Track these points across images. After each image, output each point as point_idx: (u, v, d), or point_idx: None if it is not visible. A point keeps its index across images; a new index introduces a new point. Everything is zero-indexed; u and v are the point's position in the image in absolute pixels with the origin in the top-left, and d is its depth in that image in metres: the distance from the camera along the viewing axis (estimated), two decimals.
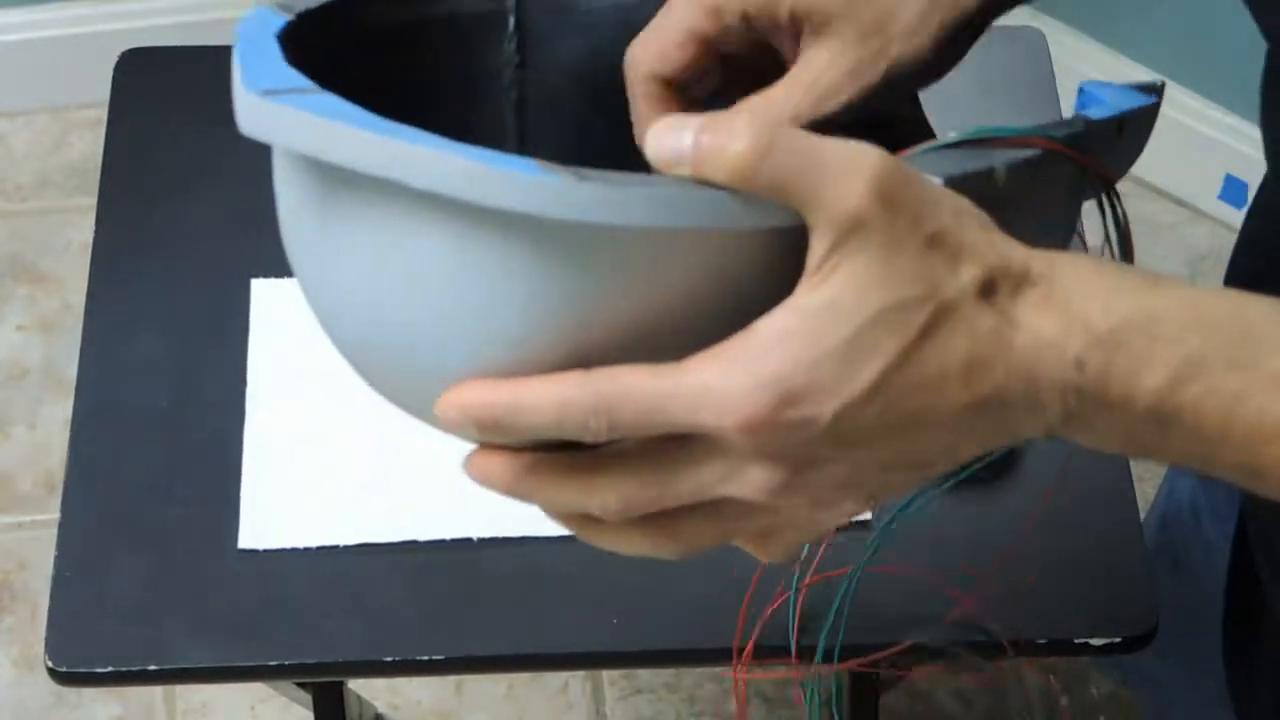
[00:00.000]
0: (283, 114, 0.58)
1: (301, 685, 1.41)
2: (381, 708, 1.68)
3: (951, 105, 1.24)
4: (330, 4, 0.71)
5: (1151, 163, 2.30)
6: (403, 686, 1.71)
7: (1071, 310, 0.57)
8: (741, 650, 1.00)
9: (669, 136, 0.57)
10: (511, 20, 0.78)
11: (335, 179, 0.59)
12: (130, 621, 1.04)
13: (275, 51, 0.62)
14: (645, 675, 1.73)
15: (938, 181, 0.60)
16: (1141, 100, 0.73)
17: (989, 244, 0.58)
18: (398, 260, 0.59)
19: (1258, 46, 0.86)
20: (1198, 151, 2.01)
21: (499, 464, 0.60)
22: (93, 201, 1.22)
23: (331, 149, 0.57)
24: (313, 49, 0.66)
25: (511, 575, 1.05)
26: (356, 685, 1.59)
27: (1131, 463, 1.12)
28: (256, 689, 1.70)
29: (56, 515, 1.09)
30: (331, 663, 1.05)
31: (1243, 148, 1.96)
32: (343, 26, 0.72)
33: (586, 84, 0.80)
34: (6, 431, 1.90)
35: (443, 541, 1.07)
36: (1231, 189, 2.01)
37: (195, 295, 1.18)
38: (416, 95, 0.75)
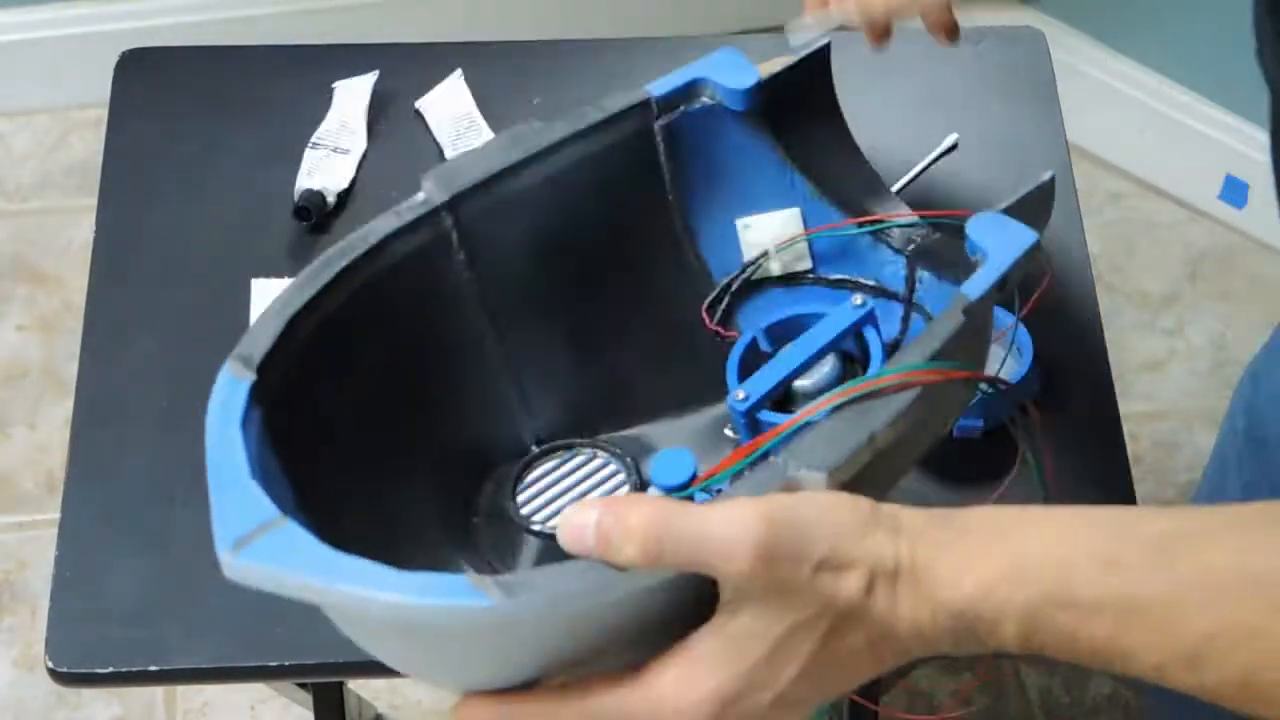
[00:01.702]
0: (254, 571, 0.67)
1: (301, 685, 1.41)
2: (381, 708, 1.68)
3: (953, 106, 1.24)
4: (288, 322, 0.78)
5: (1151, 163, 2.31)
6: (403, 686, 1.71)
7: (933, 598, 0.69)
8: None
9: (573, 529, 0.68)
10: (454, 235, 0.85)
11: None
12: (130, 622, 1.04)
13: (241, 457, 0.71)
14: None
15: (821, 479, 0.70)
16: (1020, 246, 0.80)
17: (864, 552, 0.68)
18: (376, 639, 0.71)
19: None
20: (1198, 151, 2.01)
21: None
22: (93, 201, 1.22)
23: (300, 594, 0.67)
24: (284, 371, 0.76)
25: None
26: (356, 685, 1.59)
27: (1131, 460, 1.12)
28: (257, 689, 1.70)
29: (56, 515, 1.09)
30: (331, 663, 1.04)
31: (1243, 148, 1.96)
32: (308, 325, 0.79)
33: (537, 246, 0.88)
34: (6, 431, 1.90)
35: None
36: (1231, 189, 2.01)
37: (195, 295, 1.18)
38: (390, 332, 0.83)
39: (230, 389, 0.75)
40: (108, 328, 1.16)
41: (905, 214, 0.90)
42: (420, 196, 0.85)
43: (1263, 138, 0.97)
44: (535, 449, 0.89)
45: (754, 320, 0.92)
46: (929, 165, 1.13)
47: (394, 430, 0.83)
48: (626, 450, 0.89)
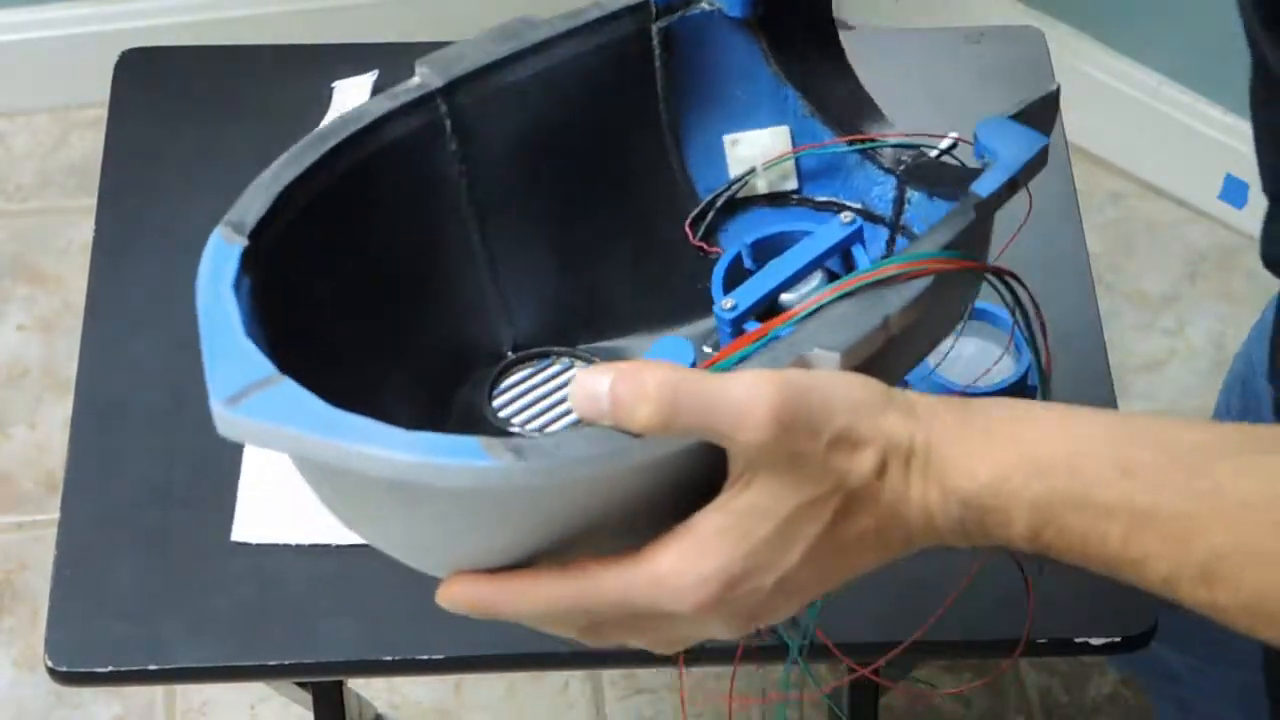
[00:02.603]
0: (249, 425, 0.64)
1: (301, 685, 1.41)
2: (381, 708, 1.68)
3: (953, 105, 1.24)
4: (280, 193, 0.76)
5: (1151, 163, 2.31)
6: (403, 686, 1.71)
7: (945, 482, 0.67)
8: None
9: (585, 393, 0.66)
10: (448, 124, 0.83)
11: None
12: (129, 621, 1.04)
13: (234, 316, 0.69)
14: (645, 675, 1.73)
15: (835, 358, 0.69)
16: (1030, 149, 0.80)
17: (879, 430, 0.67)
18: (373, 512, 0.69)
19: None
20: (1198, 151, 2.01)
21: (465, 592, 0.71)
22: (93, 201, 1.22)
23: (299, 450, 0.65)
24: (275, 240, 0.75)
25: None
26: (356, 685, 1.59)
27: None
28: (257, 689, 1.70)
29: (56, 515, 1.09)
30: (331, 662, 1.04)
31: (1243, 148, 1.95)
32: (299, 199, 0.77)
33: (527, 146, 0.86)
34: (6, 431, 1.90)
35: None
36: (1231, 189, 2.01)
37: (195, 294, 1.18)
38: (379, 219, 0.82)
39: (221, 253, 0.72)
40: (108, 328, 1.16)
41: (896, 134, 0.90)
42: (415, 80, 0.83)
43: None
44: (512, 355, 0.89)
45: (737, 238, 0.92)
46: None
47: (376, 320, 0.82)
48: (604, 361, 0.88)
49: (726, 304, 0.81)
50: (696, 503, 0.68)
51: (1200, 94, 1.99)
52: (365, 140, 0.81)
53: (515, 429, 0.85)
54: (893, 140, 0.89)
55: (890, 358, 0.73)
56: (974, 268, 0.77)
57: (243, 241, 0.73)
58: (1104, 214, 2.06)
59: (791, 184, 0.93)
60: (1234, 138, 1.97)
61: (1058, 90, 0.84)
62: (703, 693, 1.72)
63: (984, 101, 1.23)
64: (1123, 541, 0.66)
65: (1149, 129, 2.03)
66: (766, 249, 0.88)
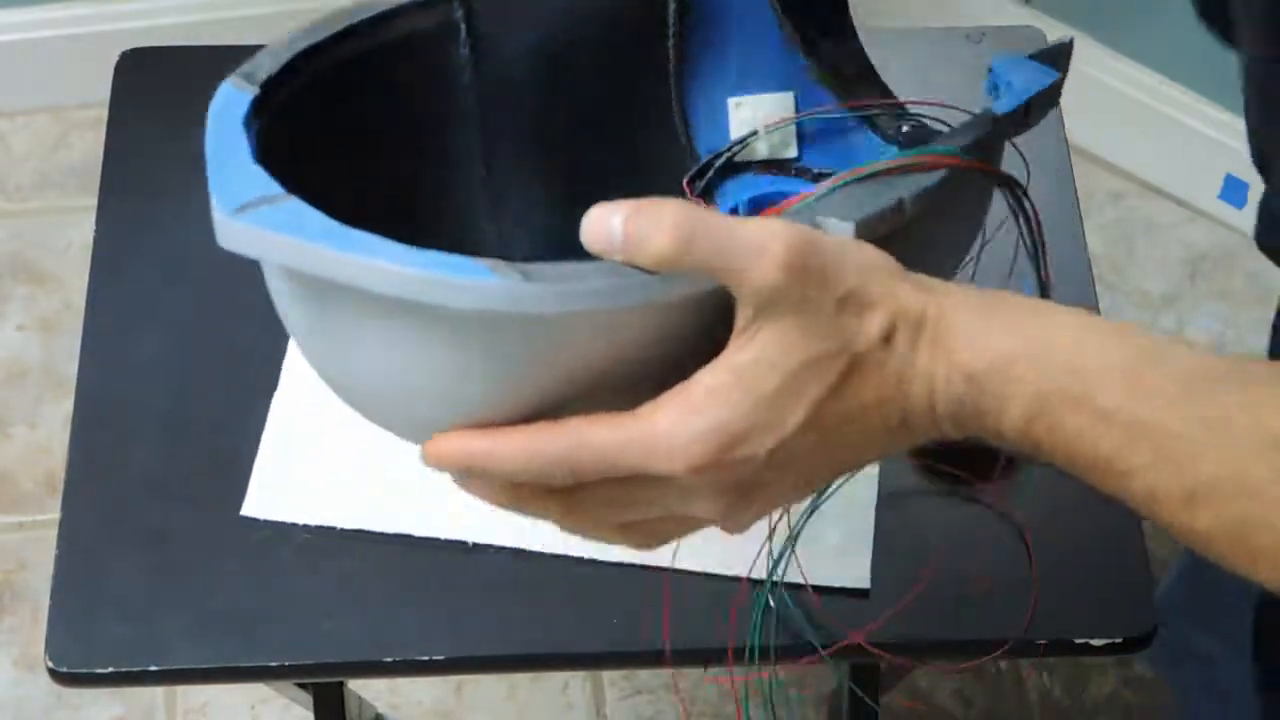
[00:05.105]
0: (254, 234, 0.63)
1: (302, 685, 1.41)
2: (381, 708, 1.68)
3: (953, 105, 1.24)
4: (292, 59, 0.76)
5: (1151, 163, 2.31)
6: (403, 686, 1.71)
7: (952, 356, 0.66)
8: (739, 651, 1.01)
9: (599, 225, 0.64)
10: (463, 28, 0.83)
11: (308, 278, 0.65)
12: (130, 621, 1.04)
13: (244, 145, 0.68)
14: (645, 675, 1.73)
15: (849, 228, 0.69)
16: (1045, 80, 0.82)
17: (891, 294, 0.66)
18: (369, 344, 0.66)
19: None
20: (1198, 151, 2.01)
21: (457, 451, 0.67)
22: (93, 201, 1.22)
23: (302, 263, 0.63)
24: (283, 104, 0.74)
25: (512, 575, 1.05)
26: (356, 685, 1.59)
27: None
28: (257, 690, 1.70)
29: (57, 515, 1.09)
30: (331, 663, 1.04)
31: (1243, 147, 1.95)
32: (308, 72, 0.77)
33: (542, 69, 0.86)
34: (6, 431, 1.90)
35: (437, 540, 1.07)
36: (1231, 189, 2.01)
37: (195, 295, 1.18)
38: (385, 114, 0.82)
39: (232, 98, 0.72)
40: (108, 328, 1.16)
41: (898, 101, 0.91)
42: None
43: None
44: None
45: (734, 199, 0.93)
46: None
47: (368, 215, 0.81)
48: None
49: None
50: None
51: (1200, 94, 1.99)
52: (379, 27, 0.80)
53: None
54: (910, 110, 0.90)
55: (905, 255, 0.72)
56: (985, 169, 0.78)
57: (254, 89, 0.73)
58: (1104, 214, 2.06)
59: (791, 151, 0.93)
60: (1234, 138, 1.97)
61: (1071, 44, 0.85)
62: (702, 694, 1.72)
63: (984, 101, 1.23)
64: (1115, 449, 0.65)
65: (1149, 129, 2.03)
66: (762, 207, 0.89)
